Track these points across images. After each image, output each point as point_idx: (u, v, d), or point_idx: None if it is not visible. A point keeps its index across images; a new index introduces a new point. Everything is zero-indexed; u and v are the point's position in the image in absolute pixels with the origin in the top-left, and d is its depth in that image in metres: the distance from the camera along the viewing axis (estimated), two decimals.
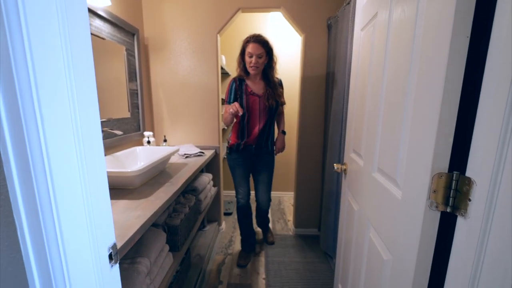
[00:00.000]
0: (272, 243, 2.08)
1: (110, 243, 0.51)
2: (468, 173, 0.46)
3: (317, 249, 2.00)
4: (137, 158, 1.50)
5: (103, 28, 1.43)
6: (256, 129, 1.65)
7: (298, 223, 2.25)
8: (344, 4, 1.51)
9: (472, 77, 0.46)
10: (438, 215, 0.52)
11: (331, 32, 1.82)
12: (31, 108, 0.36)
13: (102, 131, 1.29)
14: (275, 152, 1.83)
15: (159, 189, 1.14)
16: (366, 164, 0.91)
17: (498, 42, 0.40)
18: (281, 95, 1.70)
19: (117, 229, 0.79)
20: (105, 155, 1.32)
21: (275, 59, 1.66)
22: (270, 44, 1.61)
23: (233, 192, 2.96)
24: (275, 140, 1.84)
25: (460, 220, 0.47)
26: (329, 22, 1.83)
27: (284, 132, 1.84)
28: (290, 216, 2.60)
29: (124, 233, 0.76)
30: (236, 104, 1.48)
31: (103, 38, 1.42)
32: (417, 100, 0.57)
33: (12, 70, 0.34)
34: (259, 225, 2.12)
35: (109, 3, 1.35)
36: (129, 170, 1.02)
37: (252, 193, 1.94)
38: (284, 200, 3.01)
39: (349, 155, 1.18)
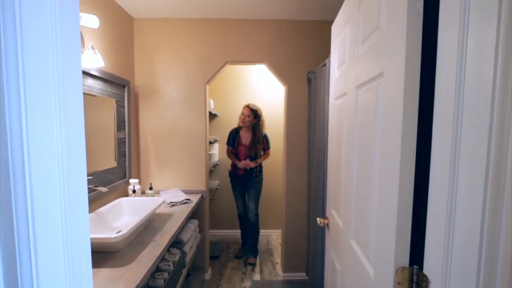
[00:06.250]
0: (251, 264, 2.43)
1: None
2: (425, 270, 0.51)
3: None
4: (122, 212, 1.49)
5: (95, 86, 1.49)
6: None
7: (286, 267, 2.21)
8: (321, 65, 1.67)
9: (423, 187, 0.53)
10: None
11: (311, 85, 1.98)
12: (22, 185, 0.37)
13: (87, 188, 1.29)
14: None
15: (143, 251, 1.13)
16: (345, 227, 0.97)
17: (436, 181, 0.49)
18: (260, 148, 2.41)
19: None
20: (88, 212, 1.31)
21: (261, 122, 2.39)
22: (259, 111, 2.39)
23: (220, 232, 3.14)
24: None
25: None
26: (309, 76, 2.00)
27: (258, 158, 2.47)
28: (278, 258, 2.56)
29: None
30: (247, 162, 2.35)
31: (94, 95, 1.48)
32: (380, 192, 0.64)
33: (6, 126, 0.36)
34: (248, 246, 2.49)
35: (103, 64, 1.43)
36: (112, 236, 1.01)
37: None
38: (272, 239, 2.97)
39: (330, 211, 1.23)
